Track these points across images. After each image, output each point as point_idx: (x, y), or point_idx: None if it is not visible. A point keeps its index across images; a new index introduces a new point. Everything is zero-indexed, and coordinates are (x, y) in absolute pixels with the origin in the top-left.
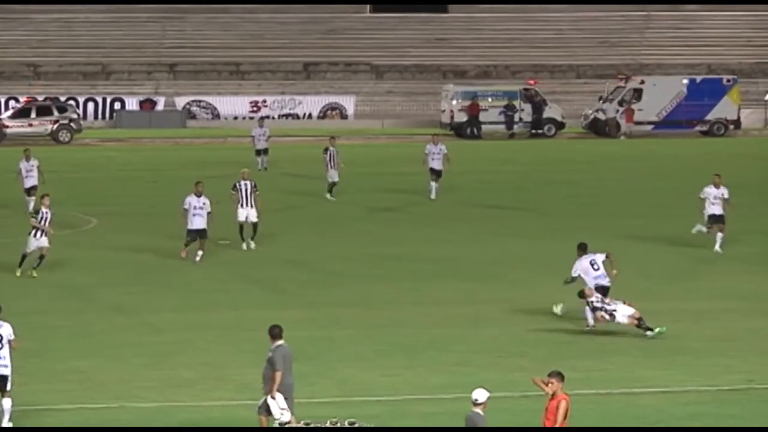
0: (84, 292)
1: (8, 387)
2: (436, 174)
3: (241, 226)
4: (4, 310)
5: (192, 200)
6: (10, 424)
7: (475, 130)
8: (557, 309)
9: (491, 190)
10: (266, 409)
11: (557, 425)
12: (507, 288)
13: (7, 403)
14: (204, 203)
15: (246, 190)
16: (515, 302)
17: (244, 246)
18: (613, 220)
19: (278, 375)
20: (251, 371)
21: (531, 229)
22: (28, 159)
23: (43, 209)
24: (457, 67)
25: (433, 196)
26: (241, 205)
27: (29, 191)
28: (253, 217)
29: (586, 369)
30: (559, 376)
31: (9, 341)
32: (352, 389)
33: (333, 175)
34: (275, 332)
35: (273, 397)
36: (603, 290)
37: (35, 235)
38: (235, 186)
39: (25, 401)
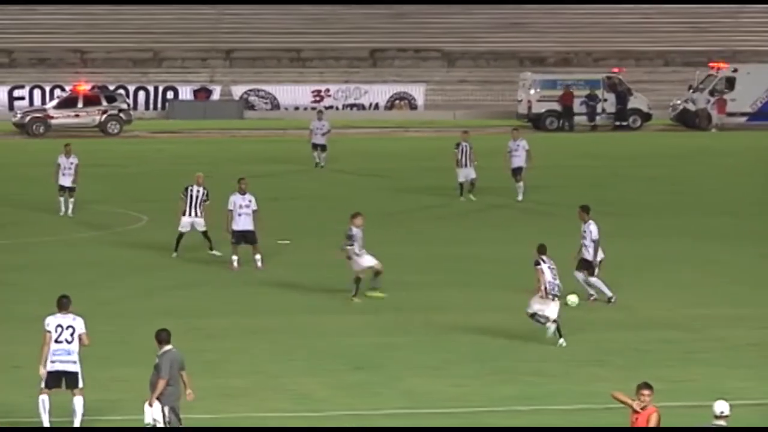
0: (130, 294)
1: (80, 384)
2: (517, 172)
3: (180, 236)
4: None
5: (237, 199)
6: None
7: (567, 123)
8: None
9: (570, 186)
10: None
11: None
12: (580, 292)
13: (78, 402)
14: (250, 201)
15: (196, 197)
16: (588, 307)
17: (174, 255)
18: (702, 219)
19: (161, 382)
20: (308, 380)
21: (612, 228)
22: (68, 155)
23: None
24: (535, 54)
25: (519, 197)
26: (187, 214)
27: (63, 190)
28: (200, 226)
29: (670, 379)
30: (650, 387)
31: (80, 336)
32: (419, 400)
33: (468, 173)
34: (162, 337)
35: (150, 405)
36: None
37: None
38: (186, 190)
39: (68, 411)
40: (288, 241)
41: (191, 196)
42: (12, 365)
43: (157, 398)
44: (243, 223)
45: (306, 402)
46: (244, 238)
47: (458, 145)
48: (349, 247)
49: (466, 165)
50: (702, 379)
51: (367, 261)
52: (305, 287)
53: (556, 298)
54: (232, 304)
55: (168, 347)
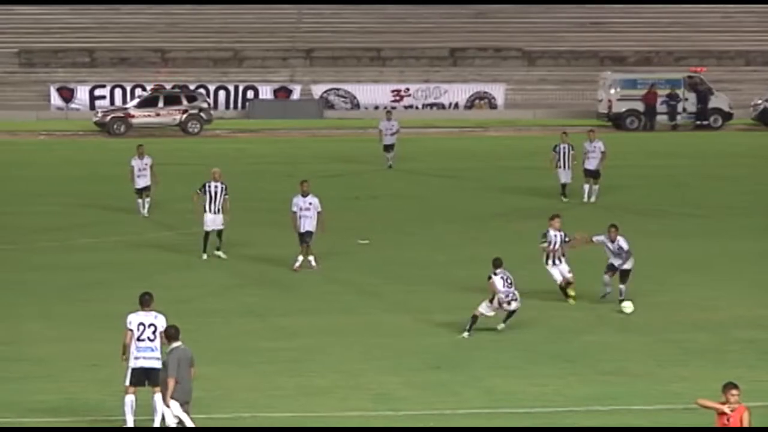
0: (210, 293)
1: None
2: (592, 175)
3: (207, 234)
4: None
5: (299, 201)
6: (160, 424)
7: (648, 123)
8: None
9: (650, 186)
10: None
11: None
12: (663, 292)
13: (159, 399)
14: (311, 203)
15: (215, 193)
16: (671, 306)
17: (205, 256)
18: None
19: (171, 381)
20: (389, 379)
21: (691, 228)
22: (141, 156)
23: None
24: (615, 53)
25: (586, 199)
26: (210, 210)
27: (141, 192)
28: (219, 224)
29: (752, 379)
30: (737, 387)
31: (161, 333)
32: (500, 399)
33: (566, 176)
34: (170, 333)
35: (167, 405)
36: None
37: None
38: (203, 187)
39: (148, 409)
40: (367, 241)
41: (211, 193)
42: (91, 363)
43: (172, 396)
44: (305, 224)
45: (386, 401)
46: (306, 239)
47: (556, 147)
48: (543, 245)
49: (566, 167)
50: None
51: (558, 274)
52: (384, 287)
53: (512, 302)
54: (309, 303)
55: (177, 344)
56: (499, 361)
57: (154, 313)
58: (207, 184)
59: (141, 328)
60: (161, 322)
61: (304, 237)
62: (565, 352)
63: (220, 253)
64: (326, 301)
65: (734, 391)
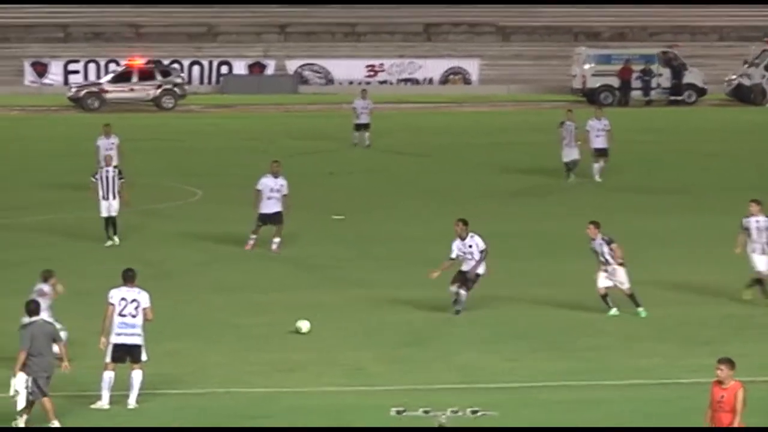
0: (182, 269)
1: (143, 358)
2: (601, 153)
3: (106, 220)
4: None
5: (268, 181)
6: (135, 404)
7: (623, 98)
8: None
9: (625, 162)
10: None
11: (738, 416)
12: (640, 269)
13: (137, 375)
14: (281, 185)
15: (108, 178)
16: (647, 283)
17: (109, 243)
18: (757, 195)
19: (21, 354)
20: (363, 354)
21: (666, 204)
22: (107, 135)
23: (108, 169)
24: (589, 29)
25: (597, 178)
26: (104, 197)
27: None
28: (114, 210)
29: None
30: (730, 363)
31: (144, 310)
32: (472, 375)
33: (571, 153)
34: (30, 308)
35: (14, 375)
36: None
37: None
38: (96, 174)
39: (122, 385)
40: (342, 217)
41: (103, 178)
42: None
43: (21, 369)
44: (272, 206)
45: (360, 376)
46: (272, 220)
47: (562, 123)
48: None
49: (570, 145)
50: (755, 355)
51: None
52: (359, 262)
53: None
54: (283, 279)
55: (34, 318)
56: (471, 337)
57: (137, 289)
58: (99, 170)
59: (123, 303)
60: (144, 299)
61: (271, 218)
62: (540, 328)
63: (116, 238)
64: (300, 277)
65: (722, 367)
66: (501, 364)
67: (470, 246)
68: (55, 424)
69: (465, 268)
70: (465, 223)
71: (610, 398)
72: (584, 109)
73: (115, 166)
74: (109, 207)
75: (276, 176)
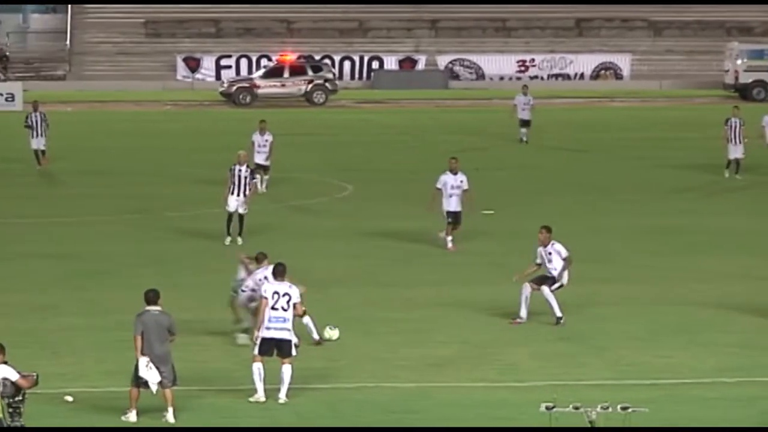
0: (333, 263)
1: (293, 353)
2: None
3: (230, 216)
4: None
5: (448, 179)
6: (286, 398)
7: None
8: None
9: None
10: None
11: None
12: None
13: (287, 370)
14: (461, 181)
15: (240, 176)
16: None
17: (228, 240)
18: None
19: (136, 339)
20: (514, 350)
21: None
22: (262, 132)
23: (242, 168)
24: (742, 24)
25: None
26: (232, 193)
27: (257, 168)
28: (242, 208)
29: None
30: (547, 228)
31: (294, 305)
32: (625, 371)
33: (736, 151)
34: (148, 296)
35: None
36: None
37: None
38: (231, 170)
39: (273, 379)
40: (492, 212)
41: (236, 176)
42: (220, 332)
43: (142, 354)
44: (454, 204)
45: (512, 372)
46: (455, 219)
47: (728, 120)
48: None
49: (736, 142)
50: None
51: None
52: (508, 257)
53: None
54: (433, 274)
55: (149, 308)
56: (625, 332)
57: (288, 283)
58: (233, 167)
59: (275, 297)
60: (295, 293)
61: (455, 216)
62: (690, 324)
63: (239, 239)
64: (450, 272)
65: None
66: (654, 360)
67: (550, 253)
68: (169, 415)
69: (547, 274)
70: (549, 230)
71: (765, 395)
72: (744, 106)
73: (248, 165)
74: (237, 202)
75: (455, 173)
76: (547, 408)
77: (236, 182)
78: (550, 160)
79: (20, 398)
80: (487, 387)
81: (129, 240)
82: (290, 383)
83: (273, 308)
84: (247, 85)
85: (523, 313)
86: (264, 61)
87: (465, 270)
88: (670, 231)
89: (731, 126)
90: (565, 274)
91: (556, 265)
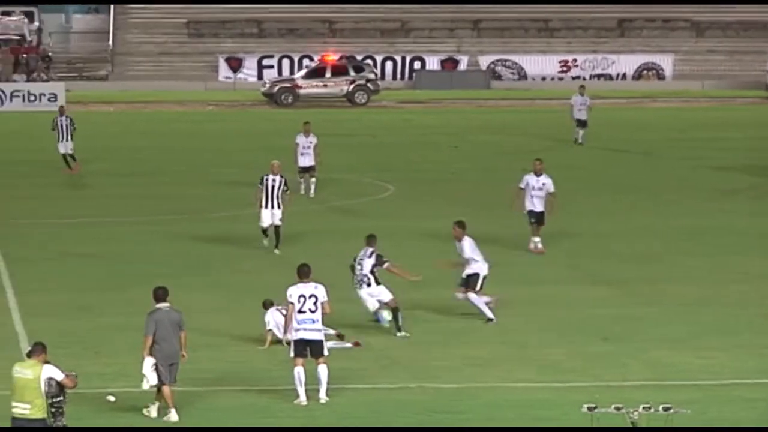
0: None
1: (324, 353)
2: None
3: (264, 230)
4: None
5: (531, 180)
6: (326, 398)
7: None
8: None
9: None
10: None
11: None
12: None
13: (323, 370)
14: (544, 183)
15: (272, 186)
16: None
17: (265, 242)
18: None
19: (146, 339)
20: (554, 351)
21: None
22: (307, 134)
23: (272, 176)
24: None
25: None
26: (265, 206)
27: (303, 171)
28: (277, 219)
29: None
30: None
31: (322, 304)
32: (665, 372)
33: None
34: (157, 294)
35: (141, 360)
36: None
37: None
38: (261, 180)
39: (311, 380)
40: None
41: (268, 187)
42: (258, 333)
43: (148, 354)
44: (538, 204)
45: (552, 372)
46: (537, 218)
47: None
48: None
49: None
50: None
51: None
52: (550, 256)
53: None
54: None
55: (159, 305)
56: (664, 333)
57: (313, 284)
58: (265, 177)
59: (302, 300)
60: (321, 293)
61: (537, 217)
62: (731, 325)
63: (276, 251)
64: (494, 273)
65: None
66: (695, 361)
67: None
68: (172, 414)
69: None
70: (460, 225)
71: None
72: None
73: (281, 175)
74: (272, 216)
75: (538, 174)
76: (589, 409)
77: (268, 193)
78: (591, 159)
79: (62, 398)
80: (527, 387)
81: (168, 240)
82: (328, 382)
83: (300, 311)
84: (289, 85)
85: (490, 315)
86: (306, 62)
87: (503, 270)
88: (711, 232)
89: None
90: (476, 263)
91: (467, 257)
